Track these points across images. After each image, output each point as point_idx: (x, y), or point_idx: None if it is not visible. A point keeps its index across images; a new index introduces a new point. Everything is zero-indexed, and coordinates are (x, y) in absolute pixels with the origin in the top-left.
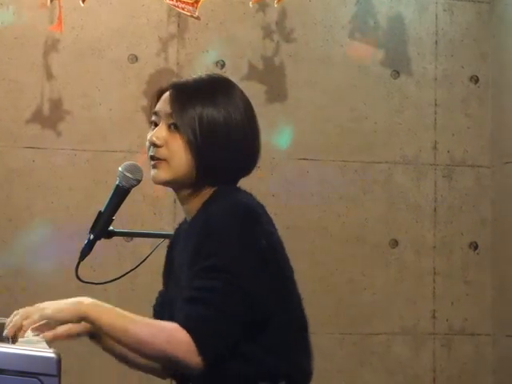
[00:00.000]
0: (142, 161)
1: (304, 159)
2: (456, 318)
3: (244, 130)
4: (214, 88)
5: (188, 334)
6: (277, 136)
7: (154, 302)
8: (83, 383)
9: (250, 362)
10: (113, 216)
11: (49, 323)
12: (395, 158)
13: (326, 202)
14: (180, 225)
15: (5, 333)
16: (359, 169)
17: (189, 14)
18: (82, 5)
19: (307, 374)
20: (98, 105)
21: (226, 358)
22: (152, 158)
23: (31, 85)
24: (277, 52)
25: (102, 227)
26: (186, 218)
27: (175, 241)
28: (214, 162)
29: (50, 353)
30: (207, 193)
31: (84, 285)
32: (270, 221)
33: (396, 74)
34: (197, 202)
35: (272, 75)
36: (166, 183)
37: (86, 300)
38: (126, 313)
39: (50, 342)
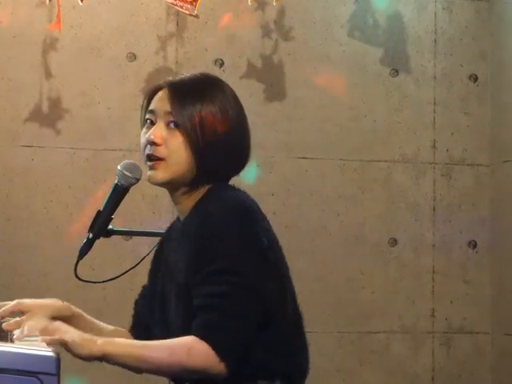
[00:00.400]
0: (140, 159)
1: (303, 158)
2: (455, 316)
3: (239, 126)
4: (210, 85)
5: (206, 344)
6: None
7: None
8: (83, 382)
9: (250, 362)
10: (112, 215)
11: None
12: (394, 157)
13: (325, 201)
14: (172, 223)
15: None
16: (358, 167)
17: (188, 12)
18: (80, 3)
19: (304, 371)
20: (97, 103)
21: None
22: (149, 156)
23: (30, 83)
24: (276, 50)
25: (100, 226)
26: (178, 217)
27: (166, 239)
28: (213, 158)
29: (49, 352)
30: (201, 191)
31: (83, 283)
32: (265, 217)
33: (395, 72)
34: (191, 201)
35: (271, 74)
36: (163, 184)
37: (95, 338)
38: (134, 341)
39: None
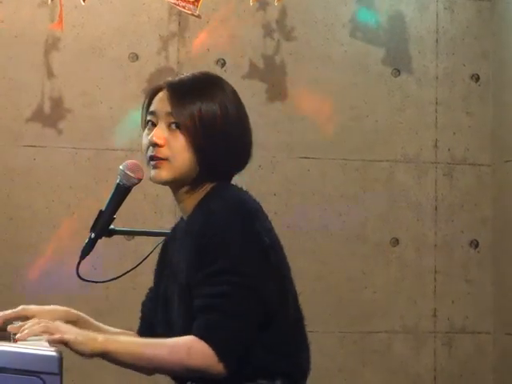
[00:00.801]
0: (142, 159)
1: (305, 158)
2: (457, 316)
3: (240, 123)
4: (209, 84)
5: (206, 344)
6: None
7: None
8: (85, 382)
9: (251, 362)
10: (114, 215)
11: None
12: (396, 157)
13: (327, 201)
14: (176, 224)
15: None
16: (360, 167)
17: (189, 12)
18: (82, 3)
19: (305, 371)
20: (99, 103)
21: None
22: (152, 158)
23: (32, 83)
24: (277, 50)
25: (102, 226)
26: (182, 217)
27: (171, 240)
28: (215, 157)
29: (52, 351)
30: (204, 190)
31: (85, 283)
32: (267, 217)
33: (397, 72)
34: (193, 200)
35: (273, 74)
36: (167, 182)
37: (96, 335)
38: (135, 338)
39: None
